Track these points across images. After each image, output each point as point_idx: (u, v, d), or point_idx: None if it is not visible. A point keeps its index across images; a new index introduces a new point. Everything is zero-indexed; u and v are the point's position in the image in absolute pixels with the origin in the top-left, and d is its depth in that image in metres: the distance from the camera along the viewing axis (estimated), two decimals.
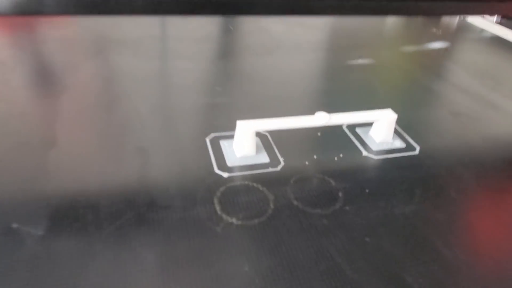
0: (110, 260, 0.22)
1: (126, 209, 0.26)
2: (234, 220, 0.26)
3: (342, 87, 0.45)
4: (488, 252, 0.26)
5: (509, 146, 0.38)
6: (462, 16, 0.81)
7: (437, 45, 0.60)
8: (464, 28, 0.73)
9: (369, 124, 0.36)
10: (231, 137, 0.33)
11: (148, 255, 0.23)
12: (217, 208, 0.27)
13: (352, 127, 0.37)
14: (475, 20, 0.80)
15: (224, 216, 0.26)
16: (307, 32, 0.62)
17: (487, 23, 0.81)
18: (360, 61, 0.52)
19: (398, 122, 0.37)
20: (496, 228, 0.28)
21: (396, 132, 0.37)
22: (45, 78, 0.42)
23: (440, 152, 0.36)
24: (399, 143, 0.36)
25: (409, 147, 0.35)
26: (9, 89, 0.39)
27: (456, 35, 0.69)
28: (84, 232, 0.24)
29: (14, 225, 0.24)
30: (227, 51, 0.54)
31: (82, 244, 0.23)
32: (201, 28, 0.59)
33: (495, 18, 0.81)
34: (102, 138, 0.33)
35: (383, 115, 0.35)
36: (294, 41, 0.58)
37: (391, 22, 0.72)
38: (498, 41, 0.67)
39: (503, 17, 0.82)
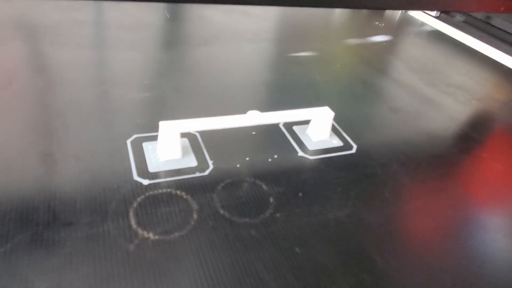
0: None
1: (19, 229, 0.22)
2: (150, 235, 0.23)
3: (282, 82, 0.43)
4: (421, 256, 0.25)
5: (444, 142, 0.38)
6: (404, 10, 0.82)
7: (379, 38, 0.60)
8: (406, 21, 0.74)
9: (307, 122, 0.35)
10: (156, 138, 0.30)
11: (41, 284, 0.20)
12: (132, 221, 0.24)
13: (289, 125, 0.35)
14: (416, 14, 0.82)
15: (139, 230, 0.23)
16: (251, 22, 0.59)
17: (427, 17, 0.83)
18: (302, 54, 0.51)
19: (336, 119, 0.36)
20: (429, 231, 0.28)
21: (334, 130, 0.36)
22: None
23: (377, 150, 0.35)
24: (336, 142, 0.34)
25: (347, 146, 0.34)
26: None
27: (398, 29, 0.69)
28: None
29: None
30: (161, 41, 0.50)
31: None
32: (132, 15, 0.54)
33: (434, 12, 0.83)
34: (2, 140, 0.29)
35: (320, 113, 0.33)
36: (235, 31, 0.55)
37: (338, 14, 0.72)
38: (437, 35, 0.69)
39: (441, 12, 0.84)
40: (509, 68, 0.57)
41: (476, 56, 0.60)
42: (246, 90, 0.41)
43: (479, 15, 0.78)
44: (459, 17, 0.80)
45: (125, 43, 0.47)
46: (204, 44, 0.50)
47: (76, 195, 0.25)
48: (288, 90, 0.41)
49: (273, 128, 0.35)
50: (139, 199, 0.25)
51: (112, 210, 0.24)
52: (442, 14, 0.83)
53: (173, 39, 0.52)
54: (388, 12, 0.76)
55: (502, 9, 0.39)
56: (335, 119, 0.36)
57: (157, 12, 0.57)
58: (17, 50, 0.41)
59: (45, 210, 0.24)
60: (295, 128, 0.35)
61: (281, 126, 0.35)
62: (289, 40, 0.56)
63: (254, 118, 0.30)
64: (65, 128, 0.31)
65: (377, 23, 0.68)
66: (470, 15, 0.79)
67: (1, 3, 0.51)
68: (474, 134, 0.40)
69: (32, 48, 0.42)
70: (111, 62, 0.43)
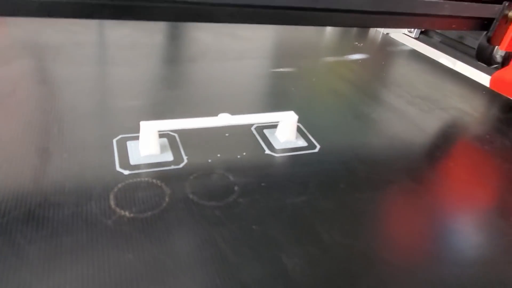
0: None
1: (15, 207, 0.26)
2: (126, 213, 0.27)
3: (258, 92, 0.48)
4: (364, 236, 0.29)
5: (403, 144, 0.42)
6: (386, 32, 0.87)
7: (356, 56, 0.65)
8: (386, 42, 0.79)
9: (276, 126, 0.39)
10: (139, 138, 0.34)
11: (31, 249, 0.23)
12: (112, 203, 0.28)
13: (260, 129, 0.40)
14: (397, 36, 0.87)
15: (117, 210, 0.27)
16: (237, 43, 0.64)
17: (407, 38, 0.89)
18: (282, 70, 0.55)
19: (304, 124, 0.40)
20: (376, 217, 0.31)
21: (301, 133, 0.40)
22: None
23: (339, 150, 0.39)
24: (301, 142, 0.38)
25: (311, 146, 0.38)
26: None
27: (376, 48, 0.74)
28: None
29: None
30: (153, 58, 0.56)
31: None
32: (129, 36, 0.60)
33: (414, 34, 0.88)
34: (5, 138, 0.33)
35: (285, 117, 0.37)
36: (222, 50, 0.60)
37: (325, 36, 0.77)
38: (413, 53, 0.73)
39: (420, 33, 0.90)
40: (476, 81, 0.61)
41: (447, 72, 0.65)
42: (225, 98, 0.45)
43: (453, 34, 0.83)
44: (436, 38, 0.86)
45: (120, 60, 0.52)
46: (192, 61, 0.55)
47: (66, 182, 0.29)
48: (263, 98, 0.46)
49: (245, 131, 0.39)
50: (119, 186, 0.29)
51: (96, 194, 0.28)
52: (421, 36, 0.89)
53: (164, 57, 0.57)
54: (371, 34, 0.82)
55: (454, 26, 0.43)
56: (303, 123, 0.40)
57: (151, 33, 0.63)
58: (23, 66, 0.47)
59: (38, 193, 0.28)
60: (265, 131, 0.39)
61: (252, 129, 0.39)
62: (272, 58, 0.61)
63: (224, 119, 0.35)
64: (60, 129, 0.35)
65: (357, 43, 0.73)
66: (446, 36, 0.85)
67: (11, 27, 0.57)
68: (433, 138, 0.44)
69: (36, 64, 0.47)
70: (106, 76, 0.48)
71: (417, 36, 0.88)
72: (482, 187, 0.37)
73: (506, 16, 0.42)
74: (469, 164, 0.40)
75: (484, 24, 0.44)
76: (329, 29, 0.79)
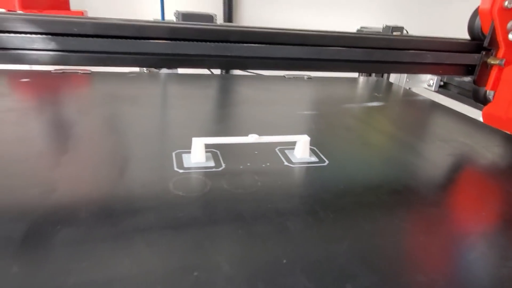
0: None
1: (94, 202, 0.39)
2: (180, 193, 0.39)
3: (284, 126, 0.60)
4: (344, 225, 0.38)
5: (400, 163, 0.51)
6: (408, 87, 0.98)
7: (372, 104, 0.76)
8: (405, 93, 0.89)
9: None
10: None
11: (132, 221, 0.36)
12: (171, 187, 0.40)
13: (282, 150, 0.51)
14: (418, 89, 0.98)
15: (174, 191, 0.39)
16: (270, 94, 0.78)
17: (427, 92, 0.99)
18: (305, 112, 0.68)
19: (318, 148, 0.51)
20: (365, 209, 0.40)
21: (314, 153, 0.51)
22: (62, 118, 0.58)
23: (344, 164, 0.49)
24: (314, 159, 0.49)
25: (321, 161, 0.49)
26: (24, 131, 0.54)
27: (394, 98, 0.85)
28: (78, 225, 0.37)
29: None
30: (204, 104, 0.71)
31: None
32: (185, 89, 0.76)
33: (433, 87, 0.98)
34: (102, 154, 0.47)
35: (300, 138, 0.49)
36: (257, 98, 0.74)
37: (351, 89, 0.90)
38: (429, 102, 0.83)
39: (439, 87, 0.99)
40: (481, 122, 0.68)
41: (461, 117, 0.73)
42: (258, 129, 0.57)
43: (469, 86, 0.91)
44: (454, 90, 0.95)
45: (179, 106, 0.67)
46: (234, 105, 0.69)
47: (139, 178, 0.42)
48: (287, 130, 0.58)
49: (271, 150, 0.51)
50: (176, 178, 0.42)
51: (161, 182, 0.41)
52: (440, 89, 0.98)
53: (213, 103, 0.72)
54: (394, 88, 0.93)
55: (440, 71, 0.53)
56: (318, 147, 0.51)
57: (203, 88, 0.79)
58: (108, 108, 0.63)
59: (126, 183, 0.41)
60: (286, 151, 0.51)
61: (276, 149, 0.51)
62: (299, 104, 0.74)
63: (253, 138, 0.47)
64: (136, 146, 0.49)
65: (376, 94, 0.84)
66: (462, 88, 0.93)
67: (98, 83, 0.75)
68: (430, 164, 0.52)
69: (118, 107, 0.64)
70: (168, 115, 0.63)
71: (437, 89, 0.97)
72: None
73: (485, 62, 0.52)
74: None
75: (469, 69, 0.54)
76: (359, 84, 0.91)
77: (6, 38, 0.39)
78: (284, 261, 0.31)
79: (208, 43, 0.42)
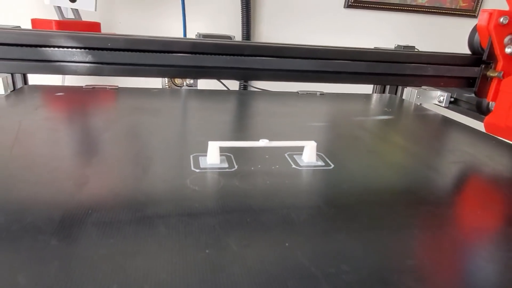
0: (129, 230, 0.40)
1: (123, 203, 0.44)
2: (196, 188, 0.43)
3: (295, 134, 0.64)
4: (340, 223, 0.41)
5: (405, 171, 0.54)
6: (419, 102, 1.01)
7: (381, 117, 0.79)
8: (415, 108, 0.92)
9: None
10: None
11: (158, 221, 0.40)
12: (188, 182, 0.44)
13: (291, 155, 0.55)
14: (429, 105, 1.00)
15: (191, 186, 0.44)
16: (284, 107, 0.83)
17: (438, 107, 1.01)
18: (317, 124, 0.72)
19: (326, 154, 0.54)
20: (360, 205, 0.43)
21: (321, 158, 0.54)
22: (90, 126, 0.64)
23: (349, 168, 0.52)
24: (320, 163, 0.53)
25: (327, 165, 0.52)
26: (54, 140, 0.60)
27: (404, 112, 0.88)
28: (107, 210, 0.42)
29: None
30: (220, 115, 0.76)
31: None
32: (204, 103, 0.82)
33: (444, 103, 1.01)
34: (128, 155, 0.53)
35: (307, 143, 0.53)
36: (272, 111, 0.79)
37: (363, 105, 0.93)
38: (438, 117, 0.85)
39: (450, 103, 1.02)
40: (484, 133, 0.71)
41: (471, 131, 0.75)
42: (271, 137, 0.62)
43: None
44: (464, 106, 0.97)
45: (198, 116, 0.72)
46: (250, 117, 0.74)
47: (160, 175, 0.47)
48: (297, 139, 0.62)
49: (280, 155, 0.55)
50: (192, 176, 0.46)
51: (179, 179, 0.45)
52: (450, 105, 1.00)
53: (230, 115, 0.77)
54: (405, 104, 0.96)
55: (442, 84, 0.57)
56: (325, 153, 0.54)
57: (222, 102, 0.84)
58: (134, 118, 0.69)
59: (148, 180, 0.45)
60: (294, 156, 0.55)
61: (285, 155, 0.55)
62: (311, 117, 0.78)
63: (264, 142, 0.51)
64: (157, 150, 0.54)
65: (386, 109, 0.88)
66: (472, 104, 0.95)
67: (125, 98, 0.82)
68: (433, 171, 0.55)
69: (142, 118, 0.69)
70: (187, 124, 0.68)
71: (447, 105, 1.00)
72: None
73: (485, 74, 0.55)
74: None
75: (470, 82, 0.57)
76: (371, 100, 0.95)
77: (51, 51, 0.45)
78: (287, 244, 0.34)
79: (224, 56, 0.47)
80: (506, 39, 0.54)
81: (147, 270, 0.30)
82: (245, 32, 1.56)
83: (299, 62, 0.47)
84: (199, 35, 1.28)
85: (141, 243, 0.33)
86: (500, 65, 0.54)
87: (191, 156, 0.53)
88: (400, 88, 1.09)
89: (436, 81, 0.54)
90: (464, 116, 0.95)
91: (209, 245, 0.33)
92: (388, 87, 1.11)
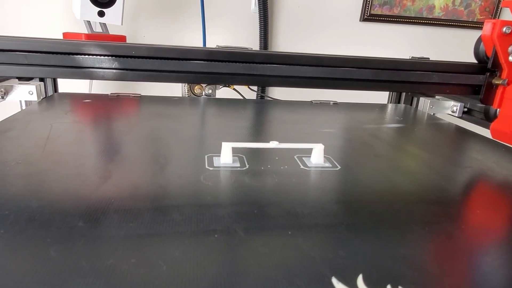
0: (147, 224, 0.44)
1: (144, 196, 0.48)
2: (209, 183, 0.47)
3: (305, 139, 0.67)
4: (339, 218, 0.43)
5: (408, 172, 0.56)
6: (432, 113, 1.02)
7: (392, 125, 0.81)
8: (428, 118, 0.94)
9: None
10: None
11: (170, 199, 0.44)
12: (201, 178, 0.48)
13: (300, 157, 0.58)
14: (442, 115, 1.01)
15: (204, 181, 0.47)
16: (296, 115, 0.86)
17: (451, 118, 1.02)
18: (326, 130, 0.75)
19: (334, 157, 0.57)
20: (357, 203, 0.46)
21: (329, 160, 0.57)
22: (112, 130, 0.68)
23: (355, 170, 0.55)
24: (328, 164, 0.55)
25: (334, 166, 0.55)
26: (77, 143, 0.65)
27: (416, 121, 0.89)
28: (127, 200, 0.46)
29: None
30: (236, 121, 0.80)
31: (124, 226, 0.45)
32: (221, 109, 0.86)
33: (457, 113, 1.02)
34: (148, 154, 0.57)
35: (315, 146, 0.56)
36: (284, 118, 0.82)
37: (376, 114, 0.95)
38: (449, 126, 0.87)
39: (463, 113, 1.02)
40: (496, 141, 0.72)
41: (484, 140, 0.76)
42: (282, 141, 0.65)
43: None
44: (477, 116, 0.98)
45: (214, 122, 0.77)
46: (262, 124, 0.77)
47: (176, 171, 0.50)
48: (309, 142, 0.65)
49: (290, 157, 0.58)
50: (206, 173, 0.50)
51: (193, 175, 0.49)
52: (464, 115, 1.01)
53: (245, 121, 0.81)
54: (418, 114, 0.98)
55: (448, 91, 0.59)
56: (333, 156, 0.57)
57: (237, 109, 0.88)
58: (155, 123, 0.73)
59: (165, 178, 0.49)
60: (303, 158, 0.58)
61: (295, 157, 0.58)
62: (322, 124, 0.81)
63: (273, 144, 0.54)
64: (174, 151, 0.58)
65: (397, 117, 0.90)
66: (485, 113, 0.96)
67: (146, 105, 0.87)
68: (439, 175, 0.57)
69: (162, 122, 0.74)
70: (204, 129, 0.72)
71: (461, 115, 1.01)
72: None
73: (490, 82, 0.57)
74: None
75: (476, 89, 0.59)
76: (384, 109, 0.97)
77: (81, 59, 0.50)
78: (289, 232, 0.37)
79: (237, 63, 0.50)
80: (510, 48, 0.56)
81: (161, 249, 0.33)
82: (262, 44, 1.61)
83: (307, 69, 0.50)
84: (218, 47, 1.34)
85: (157, 227, 0.36)
86: (504, 73, 0.56)
87: (206, 156, 0.56)
88: (415, 98, 1.11)
89: (442, 88, 0.56)
90: (478, 126, 0.95)
91: (218, 231, 0.37)
92: (403, 97, 1.13)
